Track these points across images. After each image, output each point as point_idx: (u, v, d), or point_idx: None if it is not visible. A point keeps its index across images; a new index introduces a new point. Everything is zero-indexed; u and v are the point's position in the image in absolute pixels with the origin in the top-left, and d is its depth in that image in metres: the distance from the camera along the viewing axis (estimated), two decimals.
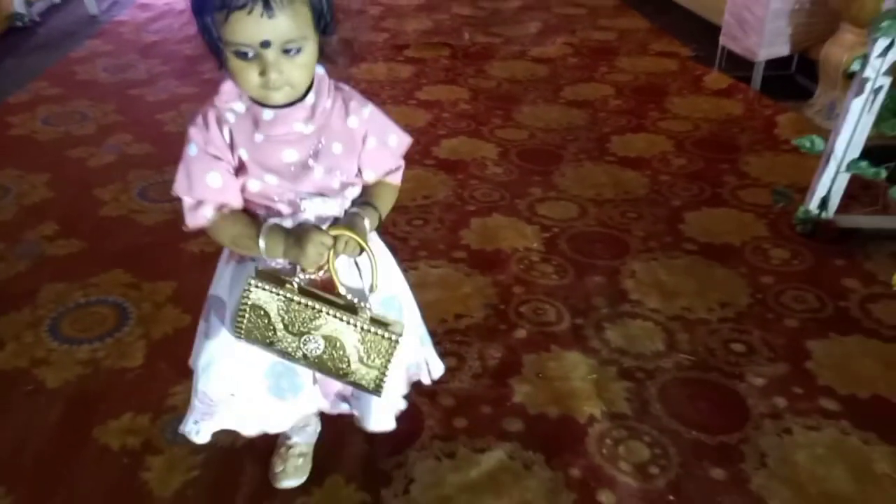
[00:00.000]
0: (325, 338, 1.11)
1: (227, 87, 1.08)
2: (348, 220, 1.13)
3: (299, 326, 1.10)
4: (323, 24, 1.04)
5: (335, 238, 1.07)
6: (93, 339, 1.82)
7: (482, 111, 3.24)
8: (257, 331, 1.12)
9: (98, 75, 3.67)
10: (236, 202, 1.11)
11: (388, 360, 1.12)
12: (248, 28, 0.96)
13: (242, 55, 1.00)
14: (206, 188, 1.08)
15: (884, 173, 2.06)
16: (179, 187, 1.09)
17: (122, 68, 3.77)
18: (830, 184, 2.11)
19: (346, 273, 1.16)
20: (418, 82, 3.59)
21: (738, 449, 1.44)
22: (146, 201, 2.46)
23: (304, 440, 1.46)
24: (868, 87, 1.89)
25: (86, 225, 2.32)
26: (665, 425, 1.51)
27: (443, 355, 1.47)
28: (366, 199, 1.17)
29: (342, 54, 1.13)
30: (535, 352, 1.73)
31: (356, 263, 1.16)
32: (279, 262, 1.13)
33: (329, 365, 1.13)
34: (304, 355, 1.12)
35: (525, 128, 3.05)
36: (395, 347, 1.11)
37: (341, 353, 1.12)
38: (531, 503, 1.35)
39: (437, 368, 1.44)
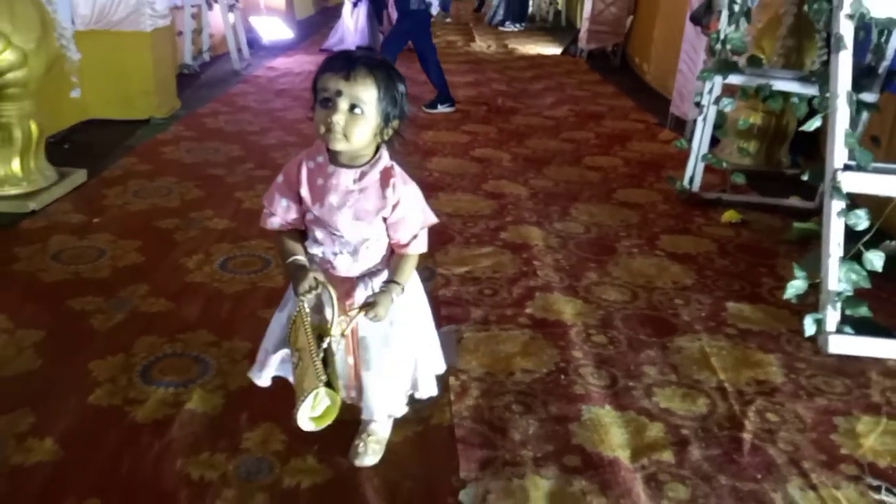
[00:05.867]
0: (300, 356, 1.48)
1: (316, 144, 1.52)
2: (377, 295, 1.53)
3: (298, 343, 1.49)
4: (386, 115, 1.45)
5: (325, 287, 1.49)
6: None
7: (504, 139, 4.93)
8: (293, 342, 1.53)
9: (250, 104, 5.50)
10: (297, 223, 1.56)
11: (310, 393, 1.42)
12: (332, 81, 1.40)
13: (323, 102, 1.40)
14: (277, 206, 1.55)
15: (725, 164, 3.67)
16: (265, 199, 1.57)
17: (265, 101, 5.61)
18: (693, 169, 3.71)
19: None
20: (463, 121, 5.33)
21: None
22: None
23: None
24: (704, 109, 3.52)
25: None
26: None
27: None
28: (392, 276, 1.57)
29: (395, 142, 1.54)
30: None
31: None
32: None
33: (295, 374, 1.49)
34: (293, 362, 1.52)
35: (531, 149, 4.73)
36: (313, 388, 1.41)
37: (300, 370, 1.47)
38: None
39: (429, 390, 1.75)
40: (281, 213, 1.55)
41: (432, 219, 1.61)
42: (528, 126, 5.34)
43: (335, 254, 1.55)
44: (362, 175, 1.49)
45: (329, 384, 1.46)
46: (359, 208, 1.50)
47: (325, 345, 1.47)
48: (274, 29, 8.29)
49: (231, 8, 6.80)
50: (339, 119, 1.39)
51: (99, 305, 2.39)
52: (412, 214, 1.55)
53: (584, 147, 4.84)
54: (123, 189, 3.51)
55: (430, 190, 3.76)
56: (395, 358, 1.66)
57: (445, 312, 2.47)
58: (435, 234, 3.20)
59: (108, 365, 2.06)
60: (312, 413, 1.47)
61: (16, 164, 3.24)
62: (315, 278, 1.49)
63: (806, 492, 1.74)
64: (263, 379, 1.71)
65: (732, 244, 3.26)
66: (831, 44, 2.36)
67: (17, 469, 1.65)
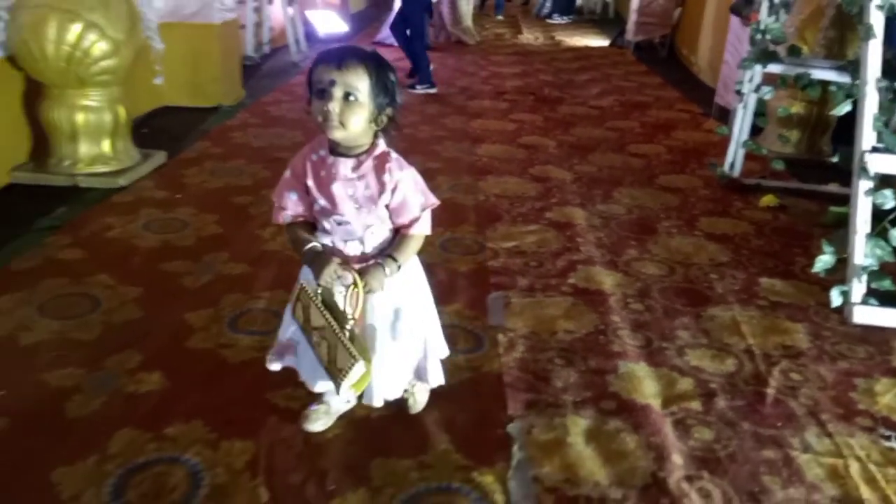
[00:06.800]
0: (322, 335, 1.55)
1: (319, 139, 1.58)
2: (368, 267, 1.57)
3: (314, 322, 1.56)
4: (380, 101, 1.50)
5: (350, 273, 1.54)
6: None
7: (551, 127, 5.13)
8: (299, 317, 1.63)
9: None
10: (308, 216, 1.63)
11: (347, 371, 1.49)
12: (325, 72, 1.46)
13: (319, 93, 1.46)
14: (286, 200, 1.62)
15: (765, 151, 3.81)
16: (275, 195, 1.64)
17: None
18: (734, 155, 3.86)
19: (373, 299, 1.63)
20: (511, 111, 5.55)
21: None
22: None
23: (334, 403, 1.85)
24: (744, 98, 3.67)
25: None
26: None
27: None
28: (389, 251, 1.61)
29: (391, 129, 1.59)
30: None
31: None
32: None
33: (318, 353, 1.57)
34: (312, 342, 1.59)
35: (576, 136, 4.92)
36: (349, 364, 1.48)
37: (325, 349, 1.55)
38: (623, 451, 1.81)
39: (436, 379, 1.84)
40: (291, 207, 1.63)
41: (434, 200, 1.66)
42: (573, 115, 5.52)
43: (344, 241, 1.63)
44: (359, 163, 1.56)
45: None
46: (360, 195, 1.58)
47: (348, 327, 1.55)
48: (329, 22, 8.58)
49: (290, 2, 7.12)
50: (334, 107, 1.45)
51: (188, 268, 2.69)
52: (412, 198, 1.61)
53: (629, 135, 5.00)
54: (200, 169, 3.83)
55: (480, 173, 3.99)
56: (401, 346, 1.73)
57: (494, 280, 2.71)
58: (484, 212, 3.49)
59: (199, 316, 2.35)
60: (350, 381, 1.55)
61: (106, 145, 3.58)
62: (338, 264, 1.57)
63: (822, 438, 1.92)
64: (274, 364, 1.82)
65: (769, 226, 3.41)
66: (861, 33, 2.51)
67: (132, 395, 1.95)
